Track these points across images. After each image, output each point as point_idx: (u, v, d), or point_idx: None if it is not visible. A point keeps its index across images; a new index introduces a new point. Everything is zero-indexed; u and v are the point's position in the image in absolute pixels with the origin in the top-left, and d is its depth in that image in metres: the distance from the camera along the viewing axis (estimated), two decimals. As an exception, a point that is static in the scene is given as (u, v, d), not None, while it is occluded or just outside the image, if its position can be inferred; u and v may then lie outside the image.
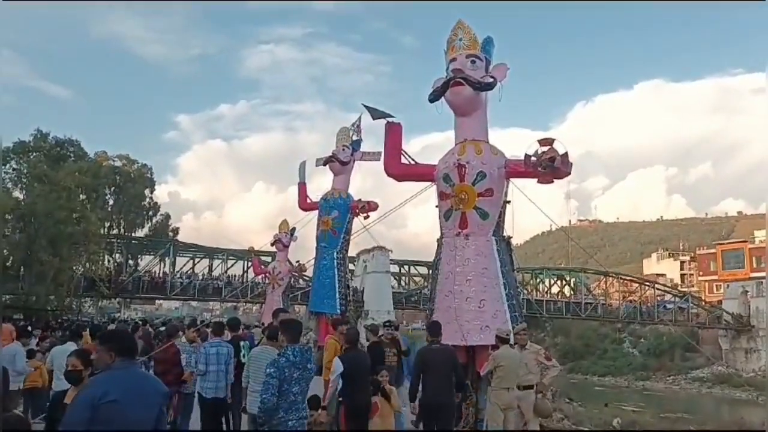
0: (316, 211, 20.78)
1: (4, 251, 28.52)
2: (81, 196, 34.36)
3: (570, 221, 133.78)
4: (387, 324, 10.33)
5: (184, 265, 44.38)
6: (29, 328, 15.25)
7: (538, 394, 9.14)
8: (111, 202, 46.52)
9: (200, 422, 8.57)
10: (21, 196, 31.07)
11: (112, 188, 46.04)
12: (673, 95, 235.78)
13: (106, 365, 3.79)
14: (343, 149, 20.26)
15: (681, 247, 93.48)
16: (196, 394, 8.73)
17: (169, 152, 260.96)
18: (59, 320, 27.05)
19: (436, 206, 11.97)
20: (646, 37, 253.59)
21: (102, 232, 38.81)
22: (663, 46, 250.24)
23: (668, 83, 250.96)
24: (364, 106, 14.51)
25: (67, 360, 4.75)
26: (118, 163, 48.60)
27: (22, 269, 29.94)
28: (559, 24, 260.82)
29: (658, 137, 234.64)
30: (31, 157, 33.95)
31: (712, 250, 70.79)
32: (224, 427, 8.84)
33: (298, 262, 24.56)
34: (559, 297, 55.07)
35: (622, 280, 59.09)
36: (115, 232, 45.71)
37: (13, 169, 32.42)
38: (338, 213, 19.87)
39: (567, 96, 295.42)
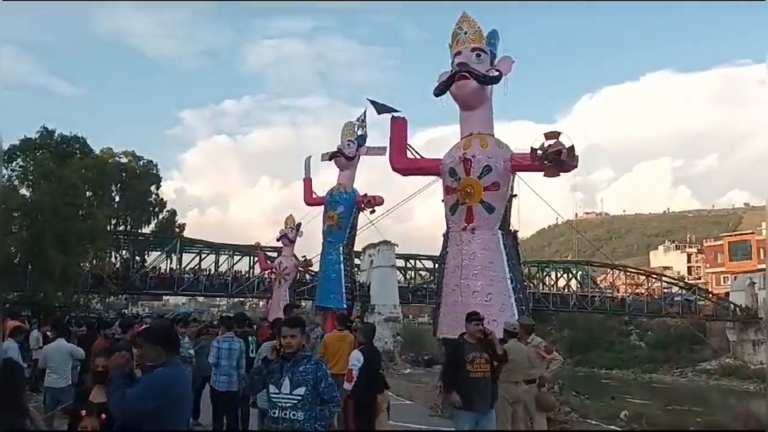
0: (322, 206, 20.84)
1: (11, 248, 28.63)
2: (87, 192, 34.34)
3: (576, 214, 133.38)
4: (474, 317, 7.31)
5: (191, 261, 44.55)
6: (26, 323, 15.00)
7: (542, 387, 9.11)
8: (117, 198, 46.54)
9: (212, 414, 8.64)
10: (27, 194, 31.11)
11: (118, 185, 46.05)
12: (679, 86, 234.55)
13: (158, 360, 3.99)
14: (349, 144, 20.27)
15: (688, 240, 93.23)
16: (209, 388, 8.79)
17: (174, 148, 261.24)
18: (67, 317, 27.15)
19: (442, 200, 11.99)
20: (653, 28, 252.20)
21: (108, 228, 38.81)
22: (669, 36, 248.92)
23: (675, 74, 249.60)
24: (369, 101, 14.55)
25: (96, 360, 4.85)
26: (123, 160, 48.64)
27: (29, 266, 30.04)
28: (565, 16, 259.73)
29: (665, 129, 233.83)
30: (38, 154, 33.98)
31: (719, 242, 70.57)
32: (239, 420, 8.90)
33: (304, 257, 24.64)
34: (566, 290, 54.96)
35: (628, 273, 58.96)
36: (121, 228, 45.72)
37: (20, 167, 32.44)
38: (344, 208, 19.91)
39: (573, 88, 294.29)
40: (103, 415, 4.08)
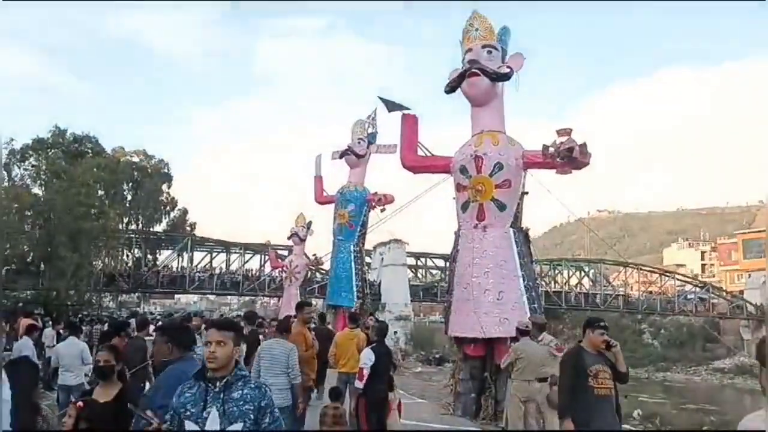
0: (333, 205, 20.83)
1: (24, 247, 28.84)
2: (99, 191, 34.61)
3: (588, 212, 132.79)
4: (598, 324, 5.70)
5: (202, 259, 44.65)
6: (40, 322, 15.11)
7: (554, 385, 9.02)
8: (129, 197, 46.82)
9: None
10: (40, 193, 31.35)
11: (130, 184, 46.31)
12: (693, 82, 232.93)
13: (170, 356, 4.04)
14: (359, 142, 20.24)
15: (701, 237, 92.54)
16: None
17: (186, 147, 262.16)
18: (80, 315, 27.32)
19: (453, 198, 11.91)
20: (667, 23, 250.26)
21: (120, 227, 39.05)
22: (684, 32, 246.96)
23: (688, 70, 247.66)
24: (380, 98, 14.52)
25: (98, 355, 4.76)
26: (135, 159, 48.91)
27: (42, 265, 30.25)
28: (576, 14, 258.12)
29: (677, 125, 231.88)
30: (50, 153, 34.28)
31: (733, 240, 70.02)
32: None
33: (314, 255, 24.60)
34: (578, 288, 54.63)
35: (641, 271, 58.53)
36: (133, 227, 45.98)
37: (32, 166, 32.77)
38: (354, 206, 19.90)
39: (586, 84, 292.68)
40: (80, 403, 4.07)
